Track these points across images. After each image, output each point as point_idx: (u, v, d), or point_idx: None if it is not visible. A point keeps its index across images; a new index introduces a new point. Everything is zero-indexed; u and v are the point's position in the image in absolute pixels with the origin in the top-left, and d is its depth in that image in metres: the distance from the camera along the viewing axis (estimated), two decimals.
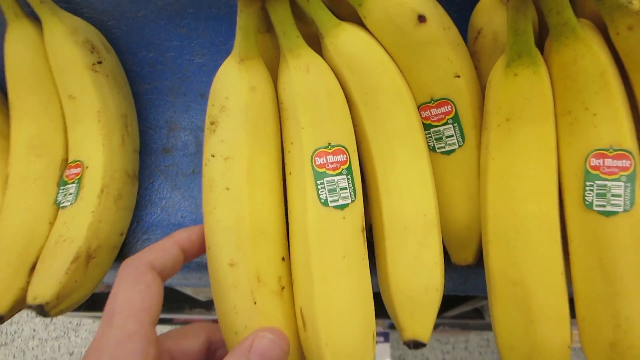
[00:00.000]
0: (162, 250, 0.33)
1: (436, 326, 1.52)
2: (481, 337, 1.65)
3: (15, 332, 1.71)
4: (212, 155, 0.34)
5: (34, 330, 1.71)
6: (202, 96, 0.48)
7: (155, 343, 0.31)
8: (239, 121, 0.34)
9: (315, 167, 0.33)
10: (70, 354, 1.69)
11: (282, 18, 0.34)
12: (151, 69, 0.48)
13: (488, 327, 1.54)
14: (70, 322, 1.72)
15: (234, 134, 0.34)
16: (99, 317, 1.20)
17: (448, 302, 1.07)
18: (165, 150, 0.48)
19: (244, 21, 0.33)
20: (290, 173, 0.35)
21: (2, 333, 1.70)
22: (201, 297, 1.02)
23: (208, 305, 1.05)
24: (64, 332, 1.71)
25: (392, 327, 1.50)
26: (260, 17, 0.34)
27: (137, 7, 0.46)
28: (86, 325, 1.72)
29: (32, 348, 1.69)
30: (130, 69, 0.48)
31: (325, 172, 0.33)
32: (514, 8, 0.31)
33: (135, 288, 0.31)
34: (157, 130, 0.49)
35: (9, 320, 1.67)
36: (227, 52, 0.46)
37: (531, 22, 0.32)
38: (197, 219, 0.47)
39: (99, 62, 0.43)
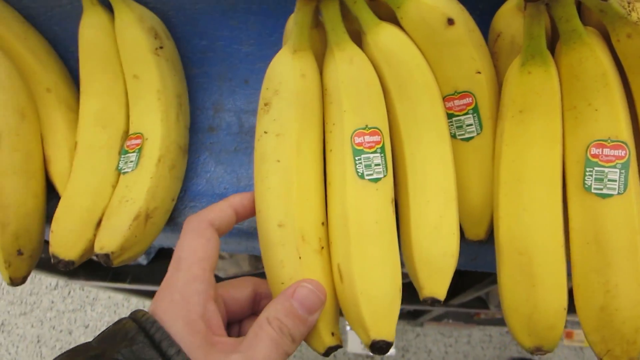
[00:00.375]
0: (219, 210, 0.38)
1: (440, 318, 1.56)
2: (484, 332, 1.66)
3: (34, 303, 1.76)
4: (265, 132, 0.39)
5: (52, 302, 1.76)
6: (247, 82, 0.52)
7: (214, 286, 0.36)
8: (290, 103, 0.39)
9: (354, 145, 0.38)
10: (86, 327, 1.74)
11: (332, 16, 0.38)
12: (202, 56, 0.53)
13: (491, 323, 1.56)
14: (87, 297, 1.77)
15: (286, 114, 0.39)
16: (117, 289, 1.25)
17: (453, 290, 1.10)
18: (210, 129, 0.53)
19: (300, 18, 0.38)
20: (331, 150, 0.40)
21: (22, 303, 1.75)
22: (221, 274, 1.07)
23: None
24: (81, 306, 1.76)
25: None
26: (312, 15, 0.39)
27: (194, 0, 0.50)
28: (102, 300, 1.77)
29: (50, 319, 1.74)
30: (184, 54, 0.53)
31: (362, 149, 0.38)
32: (529, 16, 0.34)
33: (198, 240, 0.36)
34: (204, 111, 0.54)
35: (29, 291, 1.73)
36: (272, 44, 0.51)
37: (544, 28, 0.35)
38: (238, 191, 0.50)
39: (161, 47, 0.48)
